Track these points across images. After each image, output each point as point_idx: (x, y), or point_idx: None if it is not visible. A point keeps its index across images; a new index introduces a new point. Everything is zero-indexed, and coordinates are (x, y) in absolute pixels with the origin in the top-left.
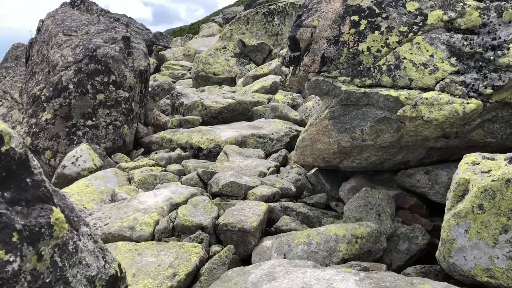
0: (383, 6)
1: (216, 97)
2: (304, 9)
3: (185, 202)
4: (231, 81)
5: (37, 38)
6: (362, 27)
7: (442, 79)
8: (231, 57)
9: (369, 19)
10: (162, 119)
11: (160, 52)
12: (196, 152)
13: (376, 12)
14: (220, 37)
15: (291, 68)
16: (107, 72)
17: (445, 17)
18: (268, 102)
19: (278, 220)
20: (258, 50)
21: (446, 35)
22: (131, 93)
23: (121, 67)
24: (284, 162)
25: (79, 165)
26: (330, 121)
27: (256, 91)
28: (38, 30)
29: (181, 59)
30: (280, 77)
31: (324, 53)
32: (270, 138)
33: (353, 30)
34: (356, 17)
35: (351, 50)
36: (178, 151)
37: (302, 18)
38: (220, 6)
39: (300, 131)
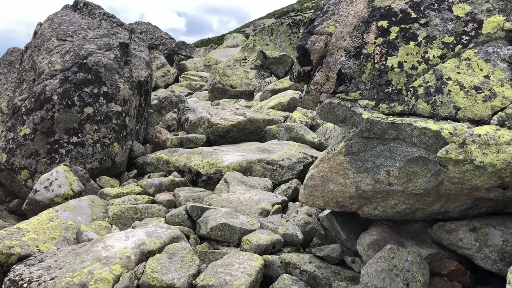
0: (422, 9)
1: (226, 113)
2: (318, 12)
3: (161, 249)
4: (249, 95)
5: (32, 42)
6: (392, 35)
7: (502, 109)
8: (251, 69)
9: (402, 26)
10: (162, 136)
11: (181, 62)
12: (195, 178)
13: (412, 16)
14: (242, 47)
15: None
16: (98, 83)
17: (507, 25)
18: (284, 121)
19: (276, 280)
20: (280, 62)
21: (508, 50)
22: (125, 106)
23: (115, 77)
24: (294, 196)
25: (52, 191)
26: (346, 157)
27: (273, 107)
28: (35, 34)
29: (202, 70)
30: (300, 92)
31: (341, 69)
32: (280, 165)
33: (380, 40)
34: (385, 23)
35: (377, 65)
36: (172, 176)
37: (315, 23)
38: (252, 18)
39: (317, 158)
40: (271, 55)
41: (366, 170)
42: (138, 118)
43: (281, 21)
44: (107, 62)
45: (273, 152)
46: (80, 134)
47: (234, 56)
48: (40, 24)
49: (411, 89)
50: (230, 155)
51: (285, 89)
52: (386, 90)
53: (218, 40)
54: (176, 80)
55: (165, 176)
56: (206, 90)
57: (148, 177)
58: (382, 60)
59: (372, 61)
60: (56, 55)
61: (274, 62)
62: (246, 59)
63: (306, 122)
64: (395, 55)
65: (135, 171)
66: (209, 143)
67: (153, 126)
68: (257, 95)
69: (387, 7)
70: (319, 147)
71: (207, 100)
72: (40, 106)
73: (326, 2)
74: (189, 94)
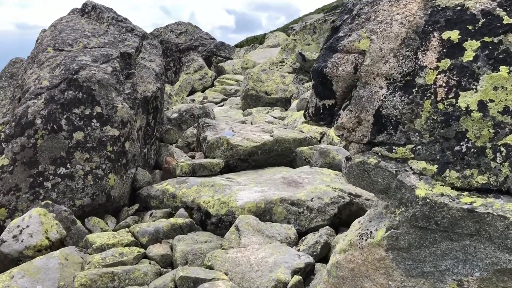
0: None
1: (251, 131)
2: (346, 17)
3: None
4: (286, 102)
5: (31, 53)
6: (467, 55)
7: None
8: (289, 73)
9: (487, 39)
10: (173, 161)
11: (219, 64)
12: (204, 218)
13: (505, 22)
14: (282, 48)
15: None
16: (90, 102)
17: None
18: (320, 139)
19: None
20: None
21: None
22: (123, 129)
23: (111, 95)
24: (324, 254)
25: (22, 241)
26: (389, 253)
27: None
28: (36, 42)
29: (239, 72)
30: None
31: (380, 108)
32: (308, 207)
33: (446, 63)
34: (454, 34)
35: (441, 105)
36: (176, 217)
37: (340, 35)
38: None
39: (358, 195)
40: (311, 57)
41: (422, 274)
42: (146, 139)
43: (325, 18)
44: (101, 78)
45: (301, 186)
46: (68, 164)
47: (270, 58)
48: (44, 31)
49: (501, 148)
50: (246, 191)
51: None
52: (458, 148)
53: (263, 39)
54: (214, 83)
55: (171, 213)
56: (240, 96)
57: (150, 215)
58: (450, 96)
59: (432, 97)
60: (46, 69)
61: None
62: (283, 61)
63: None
64: (473, 89)
65: (136, 206)
66: (228, 168)
67: (170, 145)
68: (294, 103)
69: (458, 8)
70: None
71: (239, 108)
72: (21, 132)
73: (357, 1)
74: (223, 100)
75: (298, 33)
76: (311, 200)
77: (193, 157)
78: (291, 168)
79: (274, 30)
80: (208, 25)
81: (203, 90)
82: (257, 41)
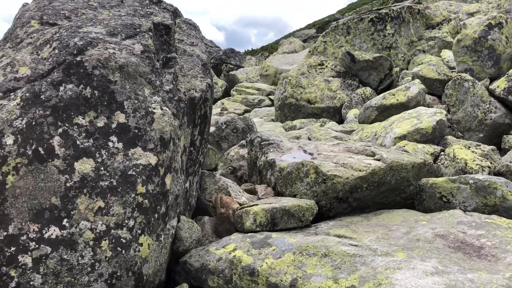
0: None
1: (333, 151)
2: None
3: None
4: (334, 113)
5: (6, 33)
6: None
7: None
8: (332, 77)
9: None
10: (233, 203)
11: (230, 72)
12: None
13: None
14: (309, 51)
15: None
16: (106, 105)
17: None
18: (434, 162)
19: None
20: (373, 67)
21: None
22: (164, 154)
23: (143, 93)
24: None
25: None
26: None
27: (404, 136)
28: (14, 19)
29: (256, 81)
30: (444, 112)
31: None
32: None
33: None
34: None
35: None
36: None
37: None
38: (290, 30)
39: None
40: (362, 57)
41: None
42: (189, 167)
43: (360, 16)
44: (126, 61)
45: (488, 256)
46: (66, 220)
47: (307, 61)
48: (25, 5)
49: None
50: (405, 272)
51: (401, 105)
52: None
53: (262, 50)
54: (227, 94)
55: None
56: (267, 106)
57: None
58: None
59: None
60: (27, 48)
61: (366, 67)
62: (323, 64)
63: (487, 167)
64: None
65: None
66: (319, 212)
67: (210, 172)
68: (351, 113)
69: None
70: None
71: (272, 120)
72: None
73: None
74: (246, 111)
75: (328, 34)
76: None
77: (251, 192)
78: (417, 211)
79: (266, 45)
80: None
81: (213, 102)
82: (256, 53)
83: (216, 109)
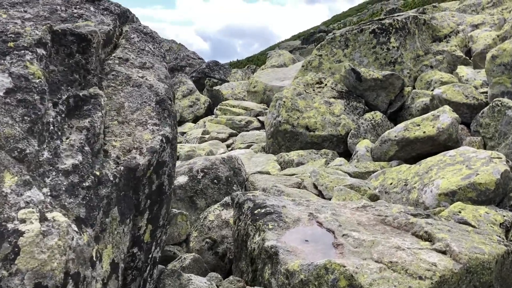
0: None
1: (366, 228)
2: None
3: None
4: (338, 142)
5: None
6: None
7: None
8: (334, 97)
9: None
10: None
11: (214, 87)
12: None
13: None
14: (303, 67)
15: None
16: None
17: None
18: (508, 232)
19: None
20: (382, 87)
21: None
22: None
23: None
24: None
25: None
26: None
27: (452, 193)
28: None
29: (242, 97)
30: (503, 157)
31: None
32: None
33: None
34: None
35: None
36: None
37: None
38: (276, 40)
39: None
40: (370, 76)
41: None
42: (130, 282)
43: (360, 27)
44: None
45: None
46: None
47: (303, 78)
48: None
49: None
50: None
51: (429, 138)
52: None
53: (248, 62)
54: (209, 111)
55: None
56: (256, 128)
57: None
58: None
59: None
60: None
61: (374, 87)
62: (321, 82)
63: None
64: None
65: None
66: None
67: (174, 273)
68: (361, 146)
69: None
70: None
71: (263, 148)
72: None
73: None
74: (231, 136)
75: (324, 47)
76: None
77: None
78: None
79: (251, 56)
80: (184, 45)
81: (194, 120)
82: (242, 65)
83: (197, 130)
